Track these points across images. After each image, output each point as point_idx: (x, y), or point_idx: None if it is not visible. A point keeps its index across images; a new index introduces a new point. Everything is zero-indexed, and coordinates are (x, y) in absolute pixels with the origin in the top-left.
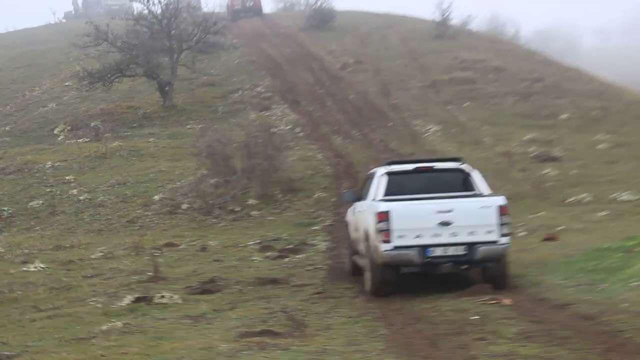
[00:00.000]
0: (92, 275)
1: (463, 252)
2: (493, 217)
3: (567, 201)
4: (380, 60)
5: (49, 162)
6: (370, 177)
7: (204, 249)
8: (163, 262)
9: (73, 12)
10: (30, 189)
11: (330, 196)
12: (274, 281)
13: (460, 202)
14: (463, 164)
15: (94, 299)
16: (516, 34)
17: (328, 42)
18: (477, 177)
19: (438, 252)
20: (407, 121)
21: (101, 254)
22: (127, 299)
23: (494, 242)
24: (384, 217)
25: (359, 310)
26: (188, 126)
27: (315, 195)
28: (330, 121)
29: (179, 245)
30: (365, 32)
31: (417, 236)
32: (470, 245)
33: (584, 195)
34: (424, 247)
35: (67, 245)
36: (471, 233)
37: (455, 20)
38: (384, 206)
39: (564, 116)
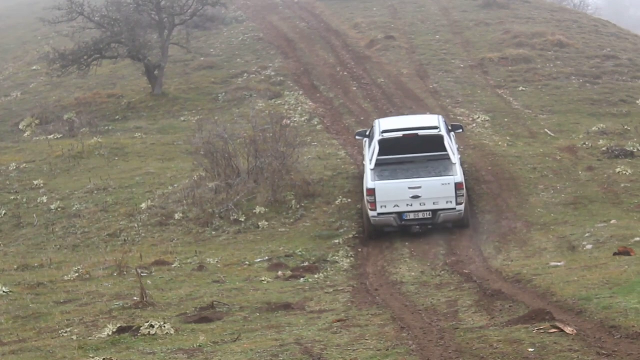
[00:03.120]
0: (65, 300)
1: (429, 217)
2: (451, 191)
3: None
4: (415, 35)
5: (13, 164)
6: (373, 128)
7: (201, 268)
8: (152, 285)
9: None
10: None
11: (356, 202)
12: (287, 306)
13: (426, 181)
14: (440, 131)
15: (67, 329)
16: (583, 1)
17: (352, 13)
18: (447, 139)
19: (411, 216)
20: (449, 109)
21: (77, 274)
22: (108, 330)
23: (452, 209)
24: (371, 192)
25: (390, 341)
26: (182, 118)
27: (337, 202)
28: (355, 111)
29: (171, 264)
30: (398, 0)
31: (395, 206)
32: (434, 212)
33: None
34: (400, 214)
35: (36, 265)
36: (435, 203)
37: None
38: (371, 184)
39: None
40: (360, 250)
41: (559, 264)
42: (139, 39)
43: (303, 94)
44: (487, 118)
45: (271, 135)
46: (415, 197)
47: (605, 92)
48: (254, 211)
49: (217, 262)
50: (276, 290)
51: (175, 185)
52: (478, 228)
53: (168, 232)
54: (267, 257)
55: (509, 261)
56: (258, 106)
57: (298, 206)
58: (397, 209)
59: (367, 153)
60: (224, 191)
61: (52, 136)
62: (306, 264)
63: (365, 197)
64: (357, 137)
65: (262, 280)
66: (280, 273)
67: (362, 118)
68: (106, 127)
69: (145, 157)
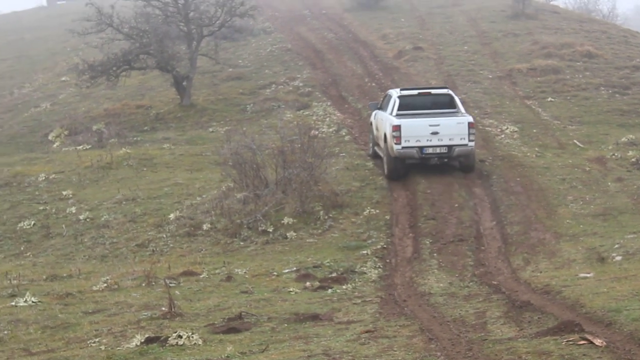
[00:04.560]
0: (94, 310)
1: (445, 151)
2: (465, 129)
3: None
4: (443, 46)
5: (43, 174)
6: (387, 96)
7: (229, 278)
8: (180, 295)
9: None
10: (20, 207)
11: (384, 213)
12: (315, 317)
13: (444, 120)
14: (449, 90)
15: (96, 339)
16: (612, 12)
17: (380, 24)
18: (457, 99)
19: (429, 150)
20: (477, 120)
21: (105, 285)
22: (136, 340)
23: (465, 145)
24: (397, 128)
25: (418, 352)
26: (210, 129)
27: (365, 212)
28: None
29: (199, 274)
30: (426, 11)
31: (417, 140)
32: (450, 147)
33: None
34: (421, 148)
35: (64, 275)
36: (451, 139)
37: None
38: (397, 121)
39: None
40: (388, 261)
41: (588, 275)
42: (168, 50)
43: (331, 104)
44: (516, 129)
45: (299, 145)
46: (434, 134)
47: (634, 102)
48: (282, 222)
49: (245, 272)
50: (304, 301)
51: (204, 196)
52: (507, 239)
53: (196, 243)
54: (295, 268)
55: (537, 272)
56: (286, 117)
57: (326, 217)
58: (418, 144)
59: (382, 115)
60: (252, 202)
61: (81, 147)
62: (334, 274)
63: (390, 134)
64: (371, 108)
65: (290, 291)
66: (308, 284)
67: None
68: (135, 138)
69: (174, 167)
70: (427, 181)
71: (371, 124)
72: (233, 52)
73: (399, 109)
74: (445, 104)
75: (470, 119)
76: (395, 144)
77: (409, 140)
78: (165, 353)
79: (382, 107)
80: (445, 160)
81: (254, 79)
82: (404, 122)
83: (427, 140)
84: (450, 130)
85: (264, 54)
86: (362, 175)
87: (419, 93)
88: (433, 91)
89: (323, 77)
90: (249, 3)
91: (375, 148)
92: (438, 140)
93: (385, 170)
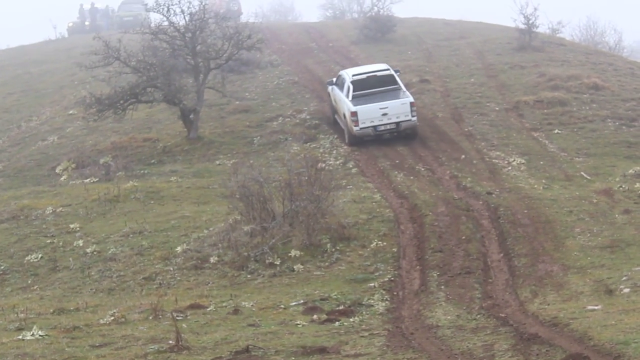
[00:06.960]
0: (101, 344)
1: (394, 127)
2: (408, 108)
3: None
4: (450, 78)
5: (50, 208)
6: (341, 76)
7: (236, 311)
8: (187, 328)
9: (87, 22)
10: (27, 240)
11: (391, 245)
12: (322, 350)
13: (391, 102)
14: (390, 71)
15: None
16: (618, 44)
17: (387, 57)
18: (396, 76)
19: (382, 128)
20: (484, 152)
21: (112, 318)
22: None
23: (409, 120)
24: (354, 114)
25: None
26: (217, 162)
27: (372, 245)
28: (390, 154)
29: (207, 307)
30: (432, 44)
31: (371, 122)
32: (398, 123)
33: None
34: (375, 127)
35: (71, 308)
36: (397, 117)
37: (543, 27)
38: (353, 108)
39: None
40: (395, 293)
41: (596, 307)
42: (175, 83)
43: (338, 137)
44: (523, 161)
45: (306, 178)
46: (384, 114)
47: None
48: (289, 254)
49: (252, 305)
50: (311, 334)
51: (211, 229)
52: (514, 271)
53: (203, 276)
54: (302, 301)
55: (545, 305)
56: (293, 149)
57: (333, 249)
58: (372, 124)
59: (339, 92)
60: (259, 234)
61: (88, 180)
62: (341, 307)
63: (350, 118)
64: (327, 85)
65: (297, 324)
66: (315, 316)
67: (397, 161)
68: (142, 171)
69: (181, 200)
70: (434, 214)
71: (329, 94)
72: (240, 84)
73: (354, 91)
74: (389, 82)
75: (412, 99)
76: (354, 126)
77: (365, 122)
78: None
79: (337, 84)
80: (395, 134)
81: (260, 111)
82: (359, 109)
83: (379, 120)
84: (396, 110)
85: (271, 87)
86: (369, 208)
87: (367, 76)
88: (378, 74)
89: (330, 110)
90: (256, 36)
91: (335, 116)
92: (388, 119)
93: (346, 140)
